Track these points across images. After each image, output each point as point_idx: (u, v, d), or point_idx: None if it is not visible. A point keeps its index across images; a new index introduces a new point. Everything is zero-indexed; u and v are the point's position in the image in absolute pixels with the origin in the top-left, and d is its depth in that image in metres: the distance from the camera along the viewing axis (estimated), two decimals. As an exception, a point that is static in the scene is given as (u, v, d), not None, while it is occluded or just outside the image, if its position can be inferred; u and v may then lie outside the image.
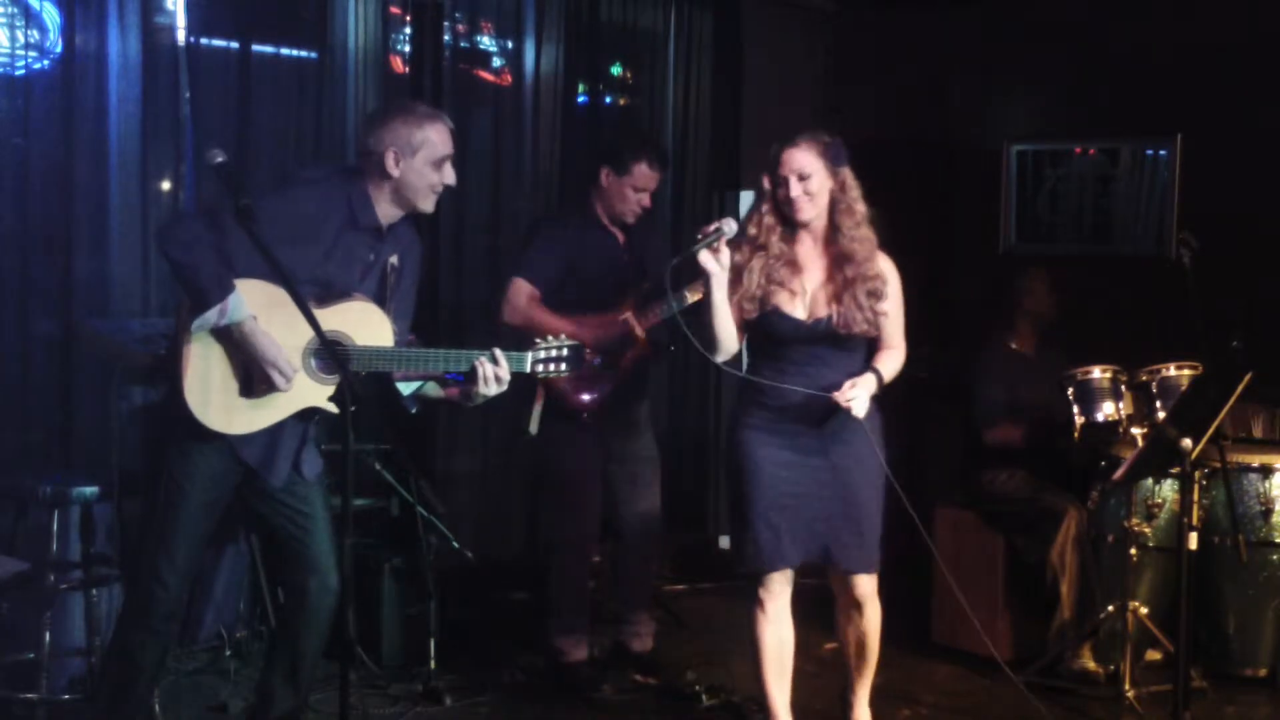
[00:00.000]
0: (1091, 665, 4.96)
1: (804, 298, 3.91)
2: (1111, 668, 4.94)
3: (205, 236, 3.41)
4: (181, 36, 4.87)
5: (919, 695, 4.85)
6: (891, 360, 3.97)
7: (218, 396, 3.48)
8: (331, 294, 3.53)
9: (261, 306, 3.45)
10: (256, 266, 3.38)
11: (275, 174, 5.14)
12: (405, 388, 3.71)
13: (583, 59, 6.16)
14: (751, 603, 4.05)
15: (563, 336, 3.69)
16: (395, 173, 3.60)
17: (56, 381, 4.63)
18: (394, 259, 3.69)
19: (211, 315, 3.39)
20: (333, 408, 3.57)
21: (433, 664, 4.80)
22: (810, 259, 3.94)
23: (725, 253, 3.72)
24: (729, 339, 3.85)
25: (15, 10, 4.50)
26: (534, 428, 4.81)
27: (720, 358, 3.87)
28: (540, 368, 3.65)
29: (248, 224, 3.28)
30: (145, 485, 3.79)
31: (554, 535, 4.98)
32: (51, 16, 4.56)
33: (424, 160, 3.61)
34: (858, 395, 3.83)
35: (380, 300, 3.65)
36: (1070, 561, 5.05)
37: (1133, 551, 4.90)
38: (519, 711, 4.69)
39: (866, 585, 4.03)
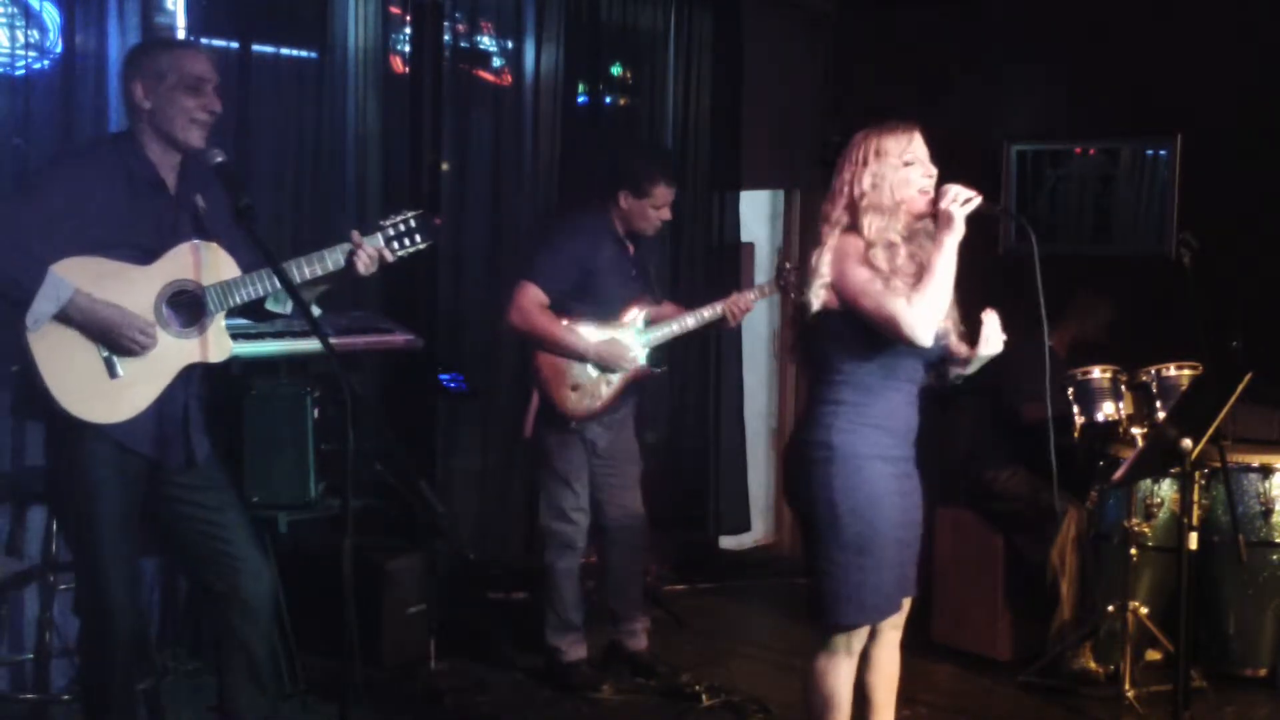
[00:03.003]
0: (1091, 665, 4.97)
1: None
2: (1111, 668, 4.94)
3: None
4: (181, 36, 4.87)
5: (919, 695, 4.84)
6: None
7: (88, 387, 3.34)
8: (153, 251, 3.40)
9: (91, 280, 3.31)
10: (63, 246, 3.27)
11: (275, 174, 5.14)
12: (274, 305, 3.60)
13: (583, 59, 6.15)
14: (832, 653, 3.50)
15: (406, 212, 3.58)
16: (147, 104, 3.43)
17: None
18: (199, 199, 3.48)
19: (41, 304, 3.24)
20: (212, 358, 3.47)
21: (433, 664, 4.80)
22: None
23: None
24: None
25: (15, 10, 4.49)
26: (528, 430, 4.86)
27: (929, 340, 3.35)
28: (396, 245, 3.54)
29: (249, 224, 3.27)
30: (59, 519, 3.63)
31: (545, 534, 4.97)
32: (51, 16, 4.55)
33: (174, 85, 3.43)
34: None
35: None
36: (1070, 561, 5.05)
37: (1133, 551, 4.90)
38: (519, 711, 4.69)
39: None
